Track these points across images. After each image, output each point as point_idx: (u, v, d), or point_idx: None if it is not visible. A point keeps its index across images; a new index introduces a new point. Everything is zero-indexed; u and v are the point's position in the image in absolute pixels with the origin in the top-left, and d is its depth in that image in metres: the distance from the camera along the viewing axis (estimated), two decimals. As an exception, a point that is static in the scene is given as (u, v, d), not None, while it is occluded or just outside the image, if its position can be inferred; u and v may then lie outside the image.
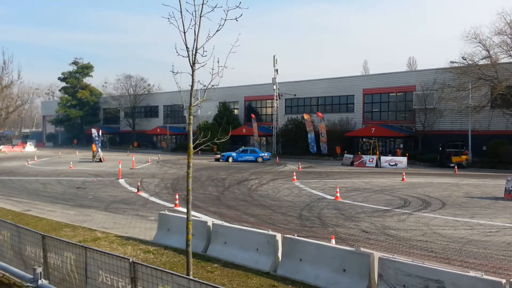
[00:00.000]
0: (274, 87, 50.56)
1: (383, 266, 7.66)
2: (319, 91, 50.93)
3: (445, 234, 12.61)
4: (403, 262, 7.47)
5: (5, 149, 59.82)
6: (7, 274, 8.54)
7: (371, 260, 7.95)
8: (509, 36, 35.23)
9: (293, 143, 47.93)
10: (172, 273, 5.71)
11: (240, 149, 42.87)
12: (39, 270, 3.65)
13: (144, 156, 47.36)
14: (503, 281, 6.65)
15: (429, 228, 13.40)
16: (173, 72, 8.63)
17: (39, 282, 3.60)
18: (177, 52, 7.83)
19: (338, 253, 8.56)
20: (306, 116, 46.61)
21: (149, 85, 72.52)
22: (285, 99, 53.32)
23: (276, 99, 51.21)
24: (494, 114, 36.53)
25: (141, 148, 64.86)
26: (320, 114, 45.73)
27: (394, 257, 7.74)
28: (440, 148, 35.94)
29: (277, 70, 50.25)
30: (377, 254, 8.11)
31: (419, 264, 7.34)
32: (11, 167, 35.39)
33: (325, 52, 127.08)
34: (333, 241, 10.40)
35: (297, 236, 9.38)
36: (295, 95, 52.51)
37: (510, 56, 35.62)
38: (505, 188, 19.30)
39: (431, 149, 38.81)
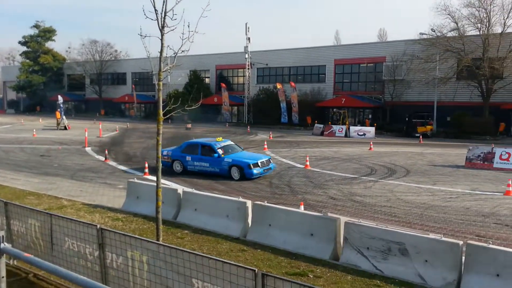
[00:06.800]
0: (246, 56, 49.93)
1: (348, 230, 7.91)
2: (291, 61, 50.70)
3: (408, 200, 13.08)
4: (367, 226, 7.74)
5: (-36, 116, 57.32)
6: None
7: (337, 225, 8.19)
8: (477, 8, 35.79)
9: (264, 113, 47.89)
10: (141, 239, 5.71)
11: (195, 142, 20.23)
12: (1, 233, 3.55)
13: (112, 124, 46.39)
14: (460, 242, 7.01)
15: (393, 195, 13.85)
16: (141, 35, 8.38)
17: (1, 245, 3.51)
18: (145, 14, 7.59)
19: (306, 218, 8.77)
20: (278, 86, 46.42)
21: (116, 51, 70.13)
22: (257, 68, 52.82)
23: (248, 68, 50.73)
24: (459, 86, 37.32)
25: (109, 116, 63.28)
26: (293, 84, 45.65)
27: (359, 221, 7.99)
28: (407, 119, 36.77)
29: (249, 39, 49.51)
30: (343, 219, 8.36)
31: (382, 228, 7.62)
32: (-29, 135, 34.03)
33: (298, 22, 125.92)
34: (302, 207, 10.62)
35: (267, 203, 9.52)
36: (267, 64, 52.10)
37: (477, 28, 36.30)
38: (466, 157, 20.07)
39: (398, 120, 39.60)
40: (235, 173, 16.37)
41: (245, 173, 16.14)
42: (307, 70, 50.05)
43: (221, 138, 18.42)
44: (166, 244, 5.65)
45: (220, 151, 16.88)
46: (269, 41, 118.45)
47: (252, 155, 17.87)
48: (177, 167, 17.69)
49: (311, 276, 7.21)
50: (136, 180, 11.96)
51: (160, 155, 8.16)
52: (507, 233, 9.93)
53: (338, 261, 7.89)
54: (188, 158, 17.40)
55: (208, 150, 17.13)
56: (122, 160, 21.18)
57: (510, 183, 14.28)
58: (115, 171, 18.36)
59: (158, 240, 7.83)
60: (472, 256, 6.73)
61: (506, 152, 19.21)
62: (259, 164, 16.41)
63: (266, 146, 26.31)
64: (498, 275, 6.46)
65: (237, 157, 16.76)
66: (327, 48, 50.27)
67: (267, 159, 17.17)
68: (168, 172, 17.23)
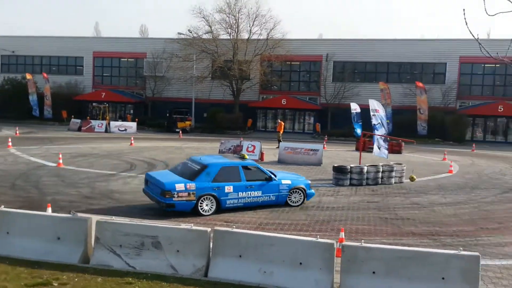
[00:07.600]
0: (-14, 40, 42.55)
1: (100, 229, 7.49)
2: (44, 50, 45.75)
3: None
4: (120, 223, 7.48)
5: None
6: None
7: (88, 225, 7.64)
8: (228, 15, 39.60)
9: (10, 106, 41.76)
10: None
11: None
12: None
13: None
14: (208, 229, 7.46)
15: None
16: None
17: None
18: None
19: (53, 221, 7.94)
20: (29, 76, 41.36)
21: None
22: (2, 55, 45.87)
23: (-12, 54, 43.32)
24: (214, 85, 40.79)
25: None
26: (45, 75, 41.35)
27: (112, 218, 7.65)
28: (167, 114, 37.96)
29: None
30: (95, 218, 7.85)
31: (136, 223, 7.50)
32: None
33: (56, 10, 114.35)
34: (50, 209, 9.59)
35: (4, 207, 8.16)
36: (13, 51, 45.72)
37: (228, 33, 40.22)
38: (219, 150, 22.02)
39: (160, 115, 40.50)
40: (295, 197, 12.15)
41: (307, 194, 12.38)
42: (62, 61, 46.29)
43: (245, 154, 13.37)
44: None
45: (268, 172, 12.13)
46: (20, 26, 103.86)
47: (285, 173, 13.79)
48: (206, 205, 10.99)
49: (56, 285, 6.48)
50: None
51: None
52: (250, 217, 11.16)
53: (89, 263, 7.36)
54: (229, 188, 11.15)
55: (254, 172, 11.74)
56: None
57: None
58: None
59: None
60: (219, 241, 7.24)
61: (252, 145, 21.85)
62: None
63: (10, 144, 22.90)
64: (240, 256, 7.10)
65: (290, 178, 12.50)
66: (86, 39, 47.49)
67: None
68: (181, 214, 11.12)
